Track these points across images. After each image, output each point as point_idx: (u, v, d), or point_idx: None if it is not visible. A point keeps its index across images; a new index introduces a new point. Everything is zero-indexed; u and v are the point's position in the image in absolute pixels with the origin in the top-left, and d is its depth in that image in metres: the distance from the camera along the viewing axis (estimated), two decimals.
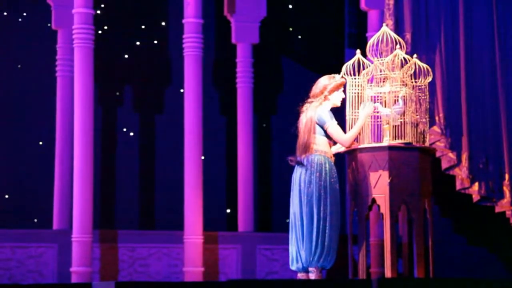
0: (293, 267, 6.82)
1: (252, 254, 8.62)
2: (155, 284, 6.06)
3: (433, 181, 7.12)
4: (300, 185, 6.83)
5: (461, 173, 8.08)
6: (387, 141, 6.90)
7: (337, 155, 7.00)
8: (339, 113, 7.09)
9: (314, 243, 6.73)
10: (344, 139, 6.83)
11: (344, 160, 7.24)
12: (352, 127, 6.97)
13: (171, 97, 9.23)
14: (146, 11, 9.30)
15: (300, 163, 6.83)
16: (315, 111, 6.85)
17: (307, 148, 6.82)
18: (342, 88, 6.98)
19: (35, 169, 8.88)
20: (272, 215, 9.49)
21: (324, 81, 6.96)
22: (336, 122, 6.84)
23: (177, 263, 8.38)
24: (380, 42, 7.03)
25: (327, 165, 6.80)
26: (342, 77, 6.99)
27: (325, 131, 6.85)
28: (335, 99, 6.95)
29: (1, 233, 8.15)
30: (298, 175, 6.84)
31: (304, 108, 6.93)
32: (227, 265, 8.54)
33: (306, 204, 6.77)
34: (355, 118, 7.00)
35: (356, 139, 7.01)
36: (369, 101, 6.94)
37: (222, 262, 8.52)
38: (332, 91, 6.93)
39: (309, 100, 6.94)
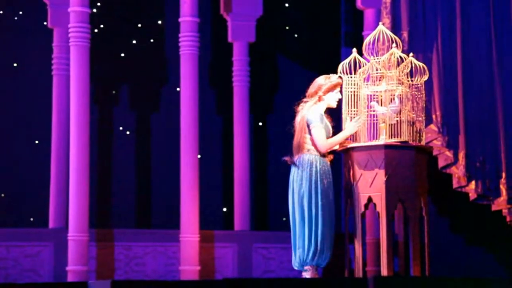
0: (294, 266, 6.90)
1: (248, 252, 8.62)
2: (151, 283, 6.06)
3: (429, 179, 7.13)
4: (293, 185, 6.86)
5: (458, 172, 8.09)
6: (383, 139, 6.90)
7: (335, 154, 7.00)
8: (335, 112, 7.09)
9: (307, 242, 6.76)
10: (321, 144, 6.83)
11: (340, 159, 7.25)
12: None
13: (167, 96, 9.22)
14: (142, 10, 9.29)
15: (294, 164, 6.86)
16: (307, 111, 6.86)
17: (300, 148, 6.85)
18: (338, 89, 6.97)
19: (31, 168, 8.87)
20: (268, 214, 9.49)
21: (320, 81, 6.97)
22: (322, 125, 6.83)
23: (173, 262, 8.38)
24: (376, 41, 7.04)
25: (318, 164, 6.81)
26: (339, 77, 6.98)
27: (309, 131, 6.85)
28: (330, 100, 6.95)
29: None
30: (292, 175, 6.89)
31: (300, 107, 6.94)
32: (223, 264, 8.53)
33: (298, 203, 6.81)
34: (351, 117, 7.01)
35: (352, 138, 7.02)
36: (360, 118, 6.92)
37: (218, 261, 8.51)
38: (327, 91, 6.94)
39: (304, 99, 6.95)
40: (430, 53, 8.23)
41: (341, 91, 7.01)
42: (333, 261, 6.88)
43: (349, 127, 6.92)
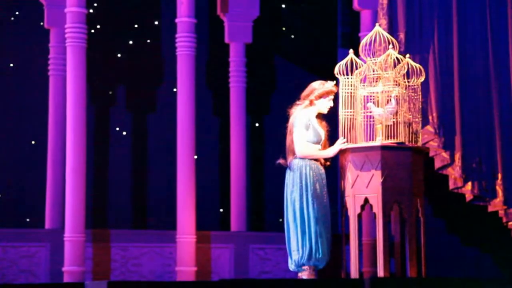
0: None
1: (245, 253, 8.62)
2: (148, 284, 6.06)
3: (426, 180, 7.13)
4: (287, 188, 6.88)
5: (454, 173, 8.09)
6: (379, 140, 6.91)
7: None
8: (331, 112, 7.09)
9: (300, 244, 6.78)
10: (298, 150, 6.82)
11: (337, 160, 7.25)
12: (345, 127, 6.98)
13: (164, 97, 9.22)
14: (139, 10, 9.29)
15: (288, 167, 6.87)
16: (296, 114, 6.87)
17: (291, 151, 6.86)
18: (331, 97, 6.95)
19: (27, 169, 8.86)
20: (265, 215, 9.49)
21: (315, 85, 6.97)
22: (305, 130, 6.81)
23: (169, 263, 8.38)
24: (373, 42, 7.04)
25: (307, 168, 6.82)
26: (334, 85, 6.97)
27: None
28: (321, 106, 6.94)
29: None
30: (287, 178, 6.90)
31: (293, 109, 6.94)
32: (220, 265, 8.53)
33: (290, 206, 6.83)
34: (347, 118, 7.01)
35: (348, 139, 7.01)
36: (344, 142, 6.91)
37: (214, 262, 8.51)
38: (319, 96, 6.93)
39: (298, 101, 6.96)
40: (426, 54, 8.23)
41: (334, 100, 6.99)
42: (329, 262, 6.88)
43: (333, 148, 6.90)
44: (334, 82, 7.01)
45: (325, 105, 6.95)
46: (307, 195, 6.79)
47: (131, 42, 9.29)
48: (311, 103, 6.93)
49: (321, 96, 6.93)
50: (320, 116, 7.01)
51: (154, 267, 8.39)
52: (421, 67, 7.13)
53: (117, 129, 9.21)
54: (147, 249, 8.40)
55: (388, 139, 6.92)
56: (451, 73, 8.25)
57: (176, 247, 8.16)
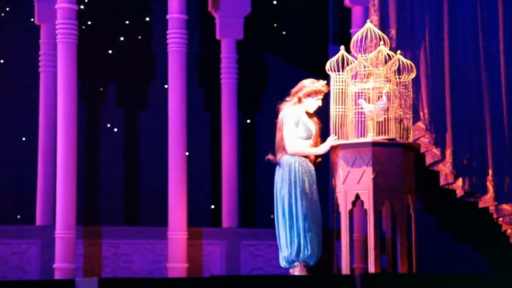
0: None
1: (236, 250, 8.63)
2: (139, 280, 6.06)
3: (417, 176, 7.15)
4: (276, 185, 6.88)
5: (445, 169, 8.11)
6: (371, 137, 6.92)
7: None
8: (323, 108, 7.09)
9: (289, 240, 6.79)
10: (289, 147, 6.82)
11: (328, 156, 7.26)
12: (336, 123, 6.98)
13: (155, 93, 9.21)
14: (130, 7, 9.27)
15: (277, 163, 6.87)
16: (285, 111, 6.86)
17: (280, 147, 6.85)
18: (320, 96, 6.95)
19: (18, 165, 8.84)
20: (256, 211, 9.49)
21: (305, 83, 6.98)
22: (295, 128, 6.81)
23: (161, 259, 8.37)
24: (364, 39, 7.05)
25: (296, 164, 6.82)
26: (325, 85, 6.96)
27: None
28: (309, 105, 6.94)
29: None
30: (276, 174, 6.90)
31: (282, 105, 6.94)
32: (211, 261, 8.53)
33: (280, 203, 6.83)
34: (338, 114, 7.02)
35: (339, 136, 7.02)
36: (336, 139, 6.91)
37: (206, 258, 8.51)
38: (307, 95, 6.93)
39: (287, 98, 6.96)
40: (417, 50, 8.25)
41: (325, 97, 6.99)
42: (320, 258, 6.89)
43: (324, 145, 6.90)
44: (325, 82, 7.01)
45: (312, 105, 6.95)
46: (295, 191, 6.80)
47: (122, 39, 9.27)
48: (299, 100, 6.93)
49: (309, 94, 6.93)
50: (311, 112, 7.01)
51: (145, 263, 8.38)
52: (412, 64, 7.14)
53: (108, 125, 9.19)
54: (138, 246, 8.39)
55: (379, 135, 6.93)
56: (442, 70, 8.27)
57: (167, 244, 8.16)
